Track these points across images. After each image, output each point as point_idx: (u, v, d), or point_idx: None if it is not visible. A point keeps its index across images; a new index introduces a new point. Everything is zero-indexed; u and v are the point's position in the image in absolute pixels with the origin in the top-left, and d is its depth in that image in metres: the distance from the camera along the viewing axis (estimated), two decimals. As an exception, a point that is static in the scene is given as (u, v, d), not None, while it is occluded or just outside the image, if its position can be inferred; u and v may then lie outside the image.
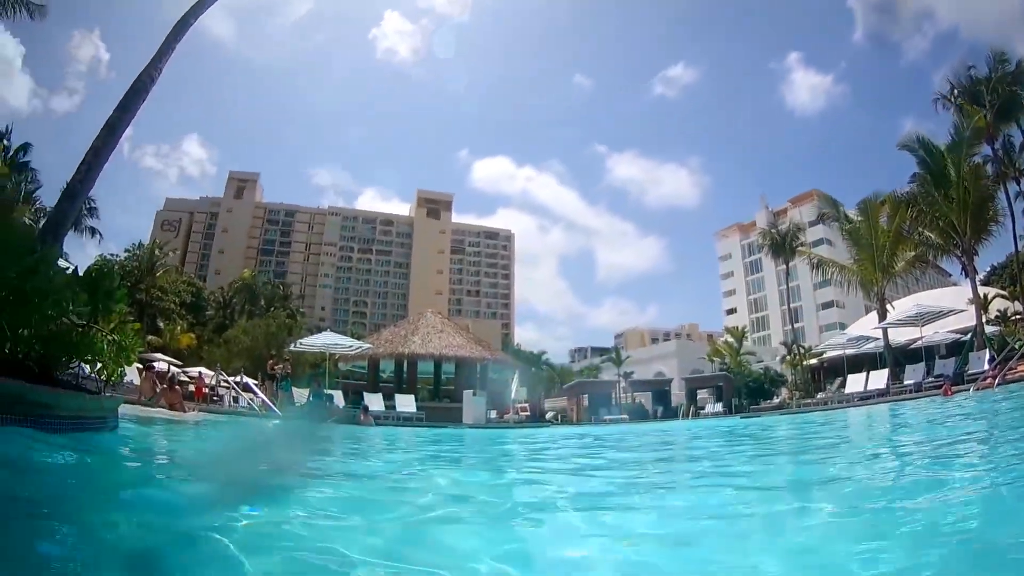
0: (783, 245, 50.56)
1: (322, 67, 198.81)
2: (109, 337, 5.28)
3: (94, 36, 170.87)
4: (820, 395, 37.33)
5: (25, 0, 19.83)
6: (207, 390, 25.85)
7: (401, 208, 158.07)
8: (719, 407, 36.92)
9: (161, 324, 51.67)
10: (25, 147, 38.26)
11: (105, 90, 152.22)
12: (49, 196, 41.03)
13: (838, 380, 35.13)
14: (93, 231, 47.11)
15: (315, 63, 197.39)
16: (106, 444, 5.79)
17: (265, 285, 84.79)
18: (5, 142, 36.47)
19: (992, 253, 37.92)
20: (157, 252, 58.13)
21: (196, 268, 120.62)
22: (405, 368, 34.47)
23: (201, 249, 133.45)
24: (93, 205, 46.29)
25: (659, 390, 43.01)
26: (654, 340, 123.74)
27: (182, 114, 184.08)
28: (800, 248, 50.35)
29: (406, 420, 25.74)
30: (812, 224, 67.55)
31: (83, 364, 5.55)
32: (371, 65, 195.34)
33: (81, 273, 5.21)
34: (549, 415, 41.33)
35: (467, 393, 27.84)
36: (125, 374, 6.09)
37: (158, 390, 16.06)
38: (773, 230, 52.74)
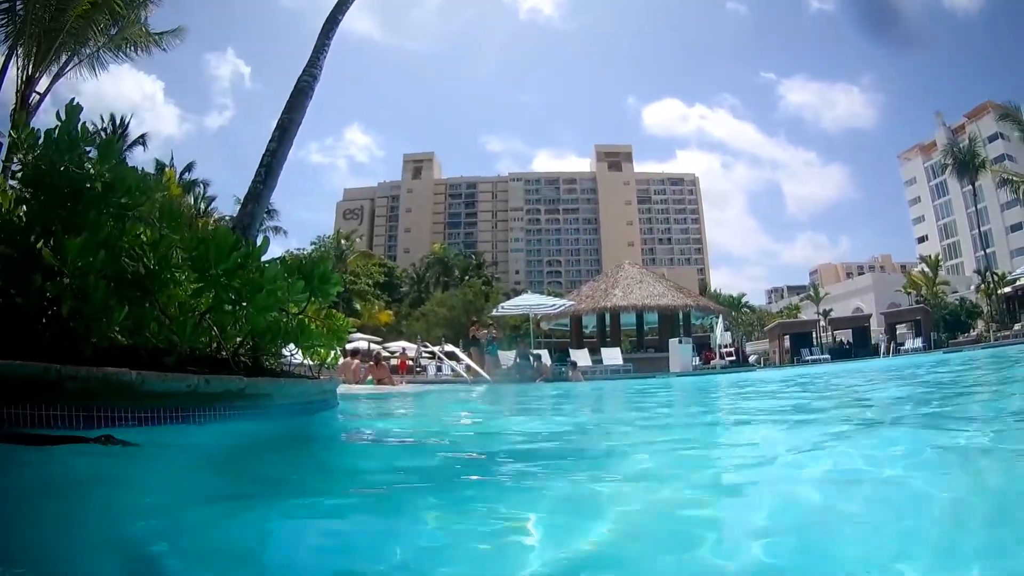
0: (968, 163, 45.90)
1: (473, 41, 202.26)
2: (320, 322, 5.49)
3: (228, 55, 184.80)
4: (1016, 327, 33.50)
5: (154, 36, 20.81)
6: (410, 362, 27.05)
7: (581, 164, 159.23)
8: (919, 342, 34.05)
9: (358, 306, 54.66)
10: (190, 166, 41.05)
11: (254, 99, 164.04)
12: (225, 206, 44.62)
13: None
14: (277, 229, 50.68)
15: (466, 39, 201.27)
16: (335, 421, 6.19)
17: (456, 256, 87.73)
18: (170, 167, 39.32)
19: None
20: (343, 242, 61.44)
21: (384, 250, 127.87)
22: (607, 321, 34.51)
23: (387, 231, 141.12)
24: (272, 208, 49.82)
25: (859, 327, 40.23)
26: (848, 275, 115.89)
27: (340, 108, 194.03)
28: (990, 167, 45.12)
29: (613, 373, 25.75)
30: (991, 140, 60.07)
31: (296, 351, 5.86)
32: (519, 28, 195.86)
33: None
34: (752, 358, 40.05)
35: (673, 341, 27.40)
36: (339, 356, 6.35)
37: (361, 374, 16.69)
38: (955, 148, 47.69)
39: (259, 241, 7.59)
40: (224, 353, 4.76)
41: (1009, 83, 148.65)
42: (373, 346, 36.85)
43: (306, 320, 5.23)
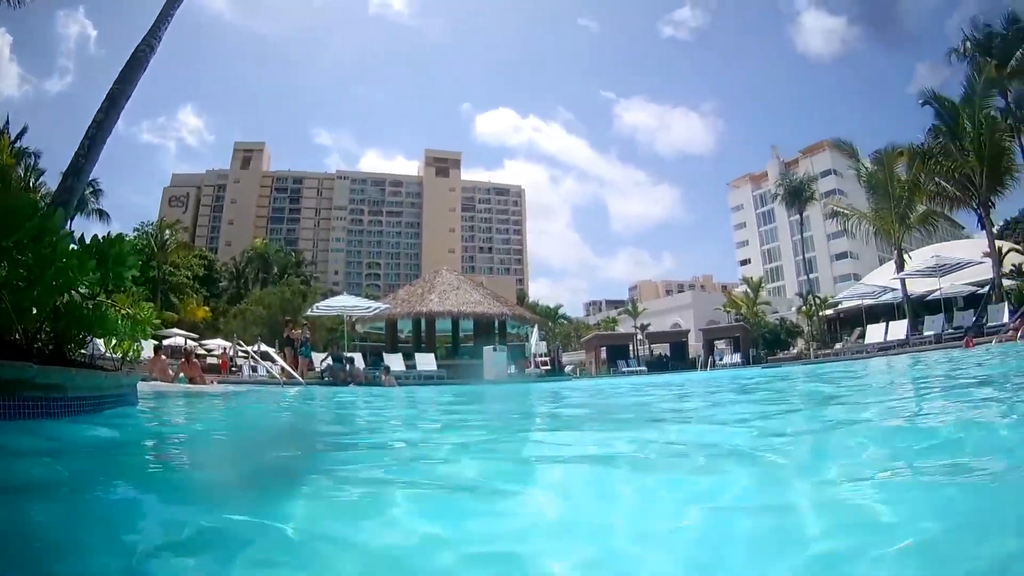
0: (798, 194, 50.79)
1: (322, 29, 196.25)
2: (124, 311, 5.07)
3: (79, 13, 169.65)
4: (837, 346, 37.21)
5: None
6: (228, 361, 25.86)
7: (408, 167, 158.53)
8: (737, 358, 36.80)
9: (175, 300, 51.64)
10: (23, 132, 37.07)
11: (96, 66, 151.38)
12: (53, 180, 40.47)
13: (856, 331, 34.96)
14: (101, 213, 46.57)
15: (315, 26, 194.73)
16: (124, 421, 5.66)
17: (277, 253, 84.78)
18: (6, 134, 35.26)
19: (1005, 208, 37.28)
20: (168, 231, 57.70)
21: (207, 241, 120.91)
22: (423, 327, 34.36)
23: (211, 222, 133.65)
24: (98, 187, 45.83)
25: (676, 341, 42.91)
26: (668, 292, 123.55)
27: (174, 85, 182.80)
28: (818, 199, 50.50)
29: (427, 379, 25.64)
30: (824, 175, 66.71)
31: (98, 342, 5.38)
32: (366, 20, 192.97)
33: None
34: (568, 368, 41.33)
35: (487, 349, 27.67)
36: (142, 349, 5.86)
37: (171, 371, 15.86)
38: (788, 179, 52.57)
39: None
40: (17, 336, 4.28)
41: (845, 126, 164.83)
42: (190, 343, 35.00)
43: (105, 307, 4.82)
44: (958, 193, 29.53)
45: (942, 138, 29.27)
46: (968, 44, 33.78)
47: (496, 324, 34.35)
